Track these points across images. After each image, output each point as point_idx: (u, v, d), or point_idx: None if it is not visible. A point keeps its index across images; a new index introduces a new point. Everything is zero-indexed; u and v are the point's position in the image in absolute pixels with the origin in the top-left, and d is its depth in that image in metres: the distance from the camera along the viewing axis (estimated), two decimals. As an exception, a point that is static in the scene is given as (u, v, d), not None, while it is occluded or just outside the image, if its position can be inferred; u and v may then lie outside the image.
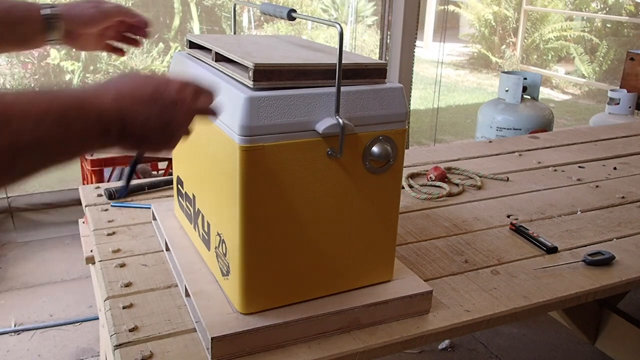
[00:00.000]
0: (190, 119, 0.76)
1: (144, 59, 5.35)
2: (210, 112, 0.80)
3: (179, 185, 1.22)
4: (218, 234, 0.99)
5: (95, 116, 0.67)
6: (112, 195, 1.42)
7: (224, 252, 0.97)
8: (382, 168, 0.96)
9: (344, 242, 0.98)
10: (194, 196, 1.12)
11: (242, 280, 0.92)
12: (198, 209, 1.09)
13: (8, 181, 0.61)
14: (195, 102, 0.76)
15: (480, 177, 1.67)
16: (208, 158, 1.01)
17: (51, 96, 0.64)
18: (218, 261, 1.01)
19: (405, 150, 1.26)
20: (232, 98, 0.88)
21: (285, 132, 0.88)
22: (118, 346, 0.91)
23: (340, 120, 0.89)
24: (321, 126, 0.89)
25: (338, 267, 0.99)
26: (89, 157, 2.44)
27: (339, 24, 0.86)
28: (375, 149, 0.94)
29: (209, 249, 1.05)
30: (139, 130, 0.71)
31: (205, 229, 1.06)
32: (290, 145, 0.88)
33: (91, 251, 1.27)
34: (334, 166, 0.93)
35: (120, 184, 0.93)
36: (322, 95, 0.90)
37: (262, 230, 0.91)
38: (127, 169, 0.85)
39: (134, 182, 1.49)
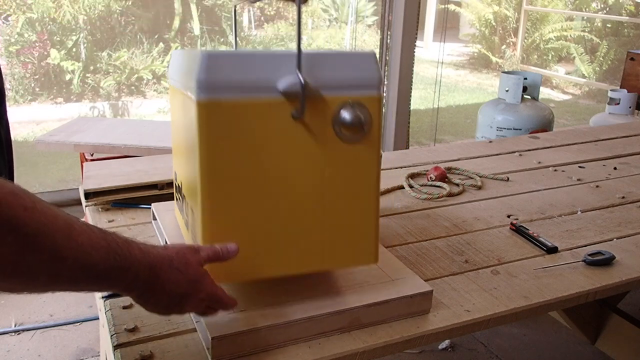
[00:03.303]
0: (183, 312, 0.86)
1: (144, 59, 5.35)
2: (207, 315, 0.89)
3: (175, 180, 1.22)
4: (191, 210, 0.98)
5: (132, 280, 0.76)
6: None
7: (195, 229, 0.96)
8: (355, 136, 0.93)
9: (316, 214, 0.95)
10: (181, 183, 1.11)
11: None
12: (183, 194, 1.08)
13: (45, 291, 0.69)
14: (204, 310, 0.86)
15: (480, 177, 1.67)
16: (182, 131, 1.01)
17: (108, 253, 0.72)
18: (193, 242, 0.99)
19: (405, 151, 1.26)
20: (195, 59, 0.88)
21: (246, 89, 0.86)
22: (118, 346, 0.91)
23: (300, 77, 0.87)
24: (282, 84, 0.87)
25: (311, 242, 0.96)
26: (89, 157, 2.44)
27: None
28: (345, 114, 0.91)
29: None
30: (145, 302, 0.82)
31: (187, 215, 1.05)
32: (251, 104, 0.87)
33: (91, 251, 1.26)
34: (300, 129, 0.90)
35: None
36: (286, 55, 0.89)
37: (225, 195, 0.89)
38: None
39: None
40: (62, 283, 0.69)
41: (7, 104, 1.44)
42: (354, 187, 0.96)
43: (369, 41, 6.49)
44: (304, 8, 0.99)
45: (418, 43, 3.48)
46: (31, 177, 3.77)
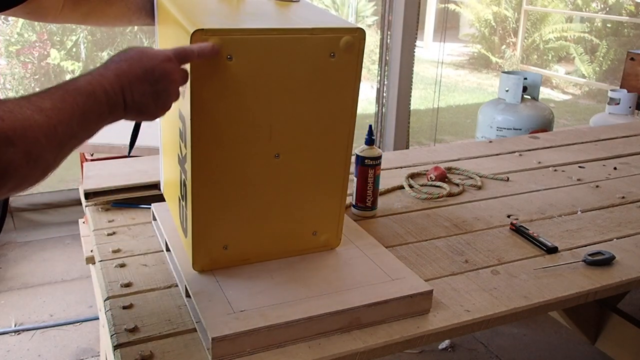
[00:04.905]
0: (177, 87, 0.89)
1: (144, 59, 5.35)
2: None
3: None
4: (179, 197, 1.05)
5: (104, 98, 0.79)
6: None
7: (185, 216, 1.04)
8: None
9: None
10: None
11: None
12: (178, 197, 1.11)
13: (54, 169, 0.76)
14: (181, 72, 0.88)
15: (480, 177, 1.67)
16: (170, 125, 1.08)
17: (72, 94, 0.76)
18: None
19: (405, 151, 1.27)
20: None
21: None
22: (118, 346, 0.92)
23: None
24: None
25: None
26: (89, 157, 2.44)
27: None
28: None
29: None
30: (138, 103, 0.84)
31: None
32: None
33: (91, 251, 1.27)
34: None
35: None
36: None
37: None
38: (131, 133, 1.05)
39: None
40: (67, 143, 0.75)
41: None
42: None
43: (369, 41, 6.48)
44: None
45: (418, 43, 3.48)
46: (31, 177, 3.75)
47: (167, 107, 0.89)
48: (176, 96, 0.89)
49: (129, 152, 1.08)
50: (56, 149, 0.73)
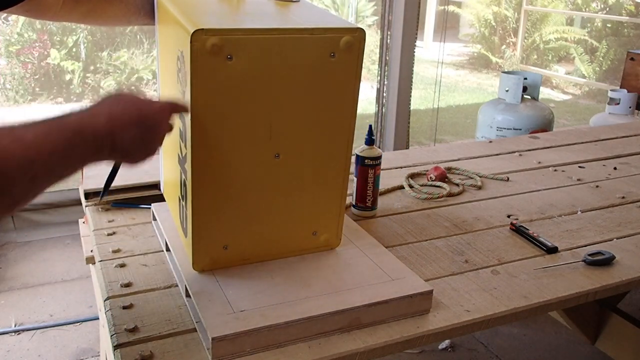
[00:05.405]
0: (163, 137, 0.90)
1: (144, 59, 5.35)
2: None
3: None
4: (179, 197, 1.05)
5: (91, 138, 0.79)
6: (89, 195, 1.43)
7: (185, 216, 1.04)
8: None
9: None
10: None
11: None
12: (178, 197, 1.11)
13: (28, 202, 0.73)
14: (169, 124, 0.91)
15: (480, 177, 1.67)
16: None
17: (58, 130, 0.76)
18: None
19: (405, 151, 1.27)
20: None
21: None
22: (118, 346, 0.92)
23: None
24: None
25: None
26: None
27: None
28: None
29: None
30: (125, 147, 0.84)
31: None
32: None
33: (91, 251, 1.27)
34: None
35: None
36: None
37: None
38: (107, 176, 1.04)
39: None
40: (41, 179, 0.73)
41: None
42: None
43: (369, 41, 6.48)
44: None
45: (418, 43, 3.48)
46: (31, 177, 3.74)
47: (152, 154, 0.90)
48: (160, 144, 0.90)
49: (102, 197, 1.08)
50: (28, 184, 0.71)
